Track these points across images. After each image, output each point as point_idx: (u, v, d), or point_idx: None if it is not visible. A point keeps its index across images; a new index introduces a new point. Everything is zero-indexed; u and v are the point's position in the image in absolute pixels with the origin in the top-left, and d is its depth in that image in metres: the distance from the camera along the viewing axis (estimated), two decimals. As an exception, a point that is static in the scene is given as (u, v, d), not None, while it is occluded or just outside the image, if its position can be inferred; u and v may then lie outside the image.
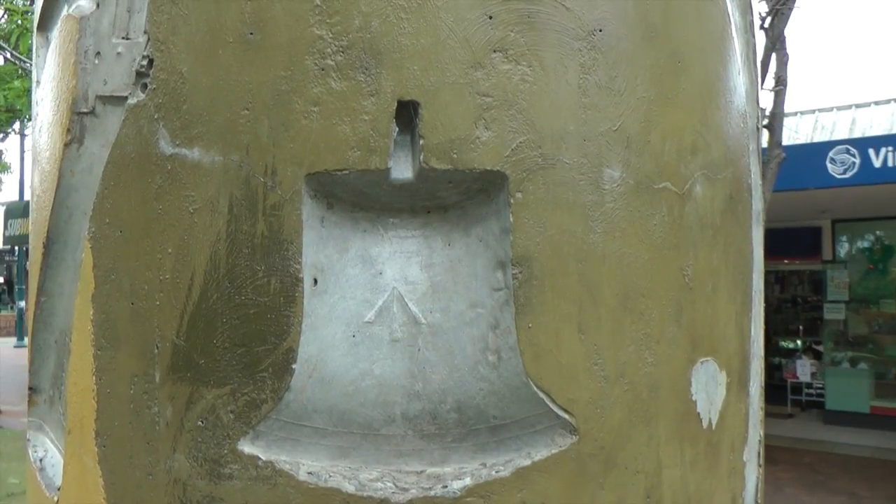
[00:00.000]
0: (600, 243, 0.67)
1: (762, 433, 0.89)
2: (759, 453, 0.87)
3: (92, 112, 0.78)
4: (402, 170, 0.67)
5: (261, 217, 0.65)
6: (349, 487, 0.64)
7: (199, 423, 0.67)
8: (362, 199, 0.69)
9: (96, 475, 0.73)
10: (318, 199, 0.67)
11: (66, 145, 0.79)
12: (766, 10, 6.59)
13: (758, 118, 0.90)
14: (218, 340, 0.66)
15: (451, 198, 0.69)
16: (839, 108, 10.35)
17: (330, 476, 0.65)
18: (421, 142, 0.64)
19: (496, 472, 0.66)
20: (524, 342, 0.65)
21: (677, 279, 0.72)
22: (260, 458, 0.65)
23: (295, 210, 0.65)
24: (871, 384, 9.17)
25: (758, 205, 0.90)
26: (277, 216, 0.65)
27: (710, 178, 0.76)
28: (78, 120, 0.78)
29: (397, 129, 0.65)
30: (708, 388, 0.75)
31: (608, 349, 0.68)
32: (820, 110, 10.45)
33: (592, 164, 0.68)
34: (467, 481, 0.65)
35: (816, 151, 7.71)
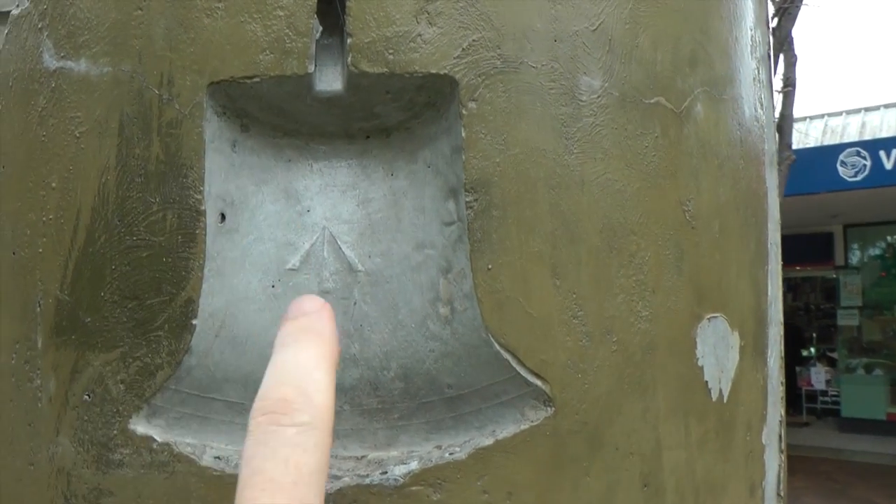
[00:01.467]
0: (578, 166, 0.54)
1: (783, 413, 0.75)
2: (780, 436, 0.73)
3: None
4: (329, 79, 0.54)
5: (155, 138, 0.53)
6: (266, 473, 0.51)
7: (86, 397, 0.54)
8: (285, 121, 0.56)
9: (-24, 466, 0.60)
10: (229, 119, 0.55)
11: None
12: (773, 10, 6.48)
13: (769, 45, 0.77)
14: (106, 293, 0.53)
15: (394, 116, 0.56)
16: (849, 112, 10.18)
17: None
18: (349, 41, 0.52)
19: (450, 454, 0.53)
20: (482, 288, 0.52)
21: (676, 215, 0.58)
22: (155, 440, 0.52)
23: (195, 128, 0.52)
24: (886, 391, 8.98)
25: (771, 145, 0.77)
26: (174, 136, 0.52)
27: (714, 97, 0.62)
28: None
29: (321, 28, 0.53)
30: (717, 350, 0.61)
31: (591, 299, 0.54)
32: (829, 114, 10.28)
33: (566, 70, 0.55)
34: (413, 466, 0.52)
35: (827, 154, 7.58)
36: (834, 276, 9.41)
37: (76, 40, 0.55)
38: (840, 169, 7.05)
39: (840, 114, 10.13)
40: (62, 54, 0.56)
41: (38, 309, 0.56)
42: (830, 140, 9.48)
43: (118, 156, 0.53)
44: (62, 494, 0.54)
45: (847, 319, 9.11)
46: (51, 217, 0.55)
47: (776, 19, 6.23)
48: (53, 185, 0.55)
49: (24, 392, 0.57)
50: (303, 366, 0.36)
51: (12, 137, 0.58)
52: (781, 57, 6.45)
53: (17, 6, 0.60)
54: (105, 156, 0.53)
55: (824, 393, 9.27)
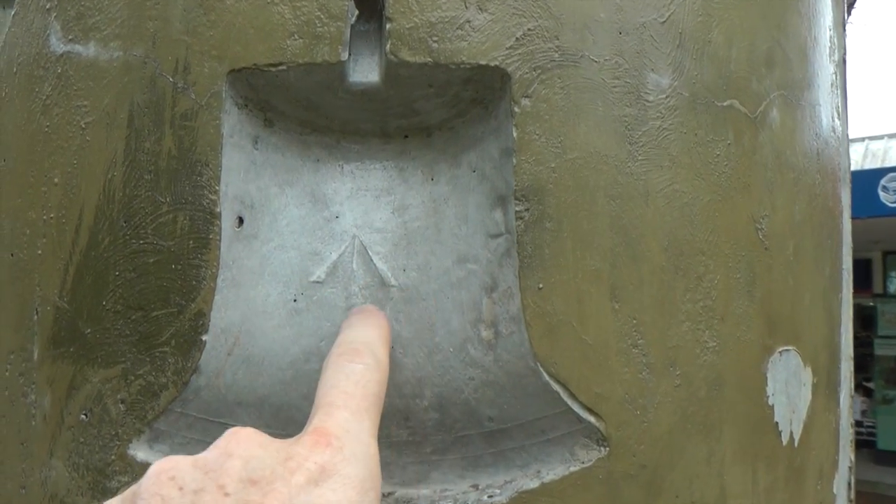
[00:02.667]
0: (642, 174, 0.48)
1: (853, 458, 0.67)
2: (850, 484, 0.66)
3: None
4: (365, 69, 0.48)
5: (168, 130, 0.47)
6: (280, 512, 0.45)
7: (83, 416, 0.48)
8: (314, 116, 0.50)
9: (-35, 488, 0.54)
10: (251, 112, 0.49)
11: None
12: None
13: (845, 50, 0.70)
14: (108, 301, 0.47)
15: (436, 113, 0.50)
16: (890, 136, 9.96)
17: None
18: (388, 26, 0.46)
19: (489, 496, 0.46)
20: (531, 309, 0.46)
21: (748, 233, 0.52)
22: (156, 468, 0.46)
23: (213, 120, 0.46)
24: (924, 424, 8.75)
25: (846, 160, 0.70)
26: (189, 128, 0.47)
27: (790, 102, 0.56)
28: (-27, 33, 0.61)
29: (357, 11, 0.47)
30: (789, 388, 0.55)
31: (653, 325, 0.48)
32: (870, 138, 10.08)
33: (631, 66, 0.48)
34: (446, 509, 0.46)
35: (868, 179, 7.42)
36: (872, 304, 9.19)
37: (86, 22, 0.50)
38: (881, 194, 6.88)
39: (881, 137, 9.91)
40: (70, 37, 0.50)
41: (36, 317, 0.50)
42: (871, 164, 9.26)
43: (126, 150, 0.47)
44: (53, 525, 0.49)
45: (885, 349, 8.87)
46: (52, 216, 0.50)
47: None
48: (56, 180, 0.50)
49: (18, 408, 0.51)
50: (366, 337, 0.44)
51: (14, 128, 0.53)
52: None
53: (27, -15, 0.55)
54: (112, 149, 0.48)
55: (860, 424, 9.04)
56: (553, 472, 0.47)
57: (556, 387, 0.46)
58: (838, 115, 0.65)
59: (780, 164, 0.54)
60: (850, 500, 0.65)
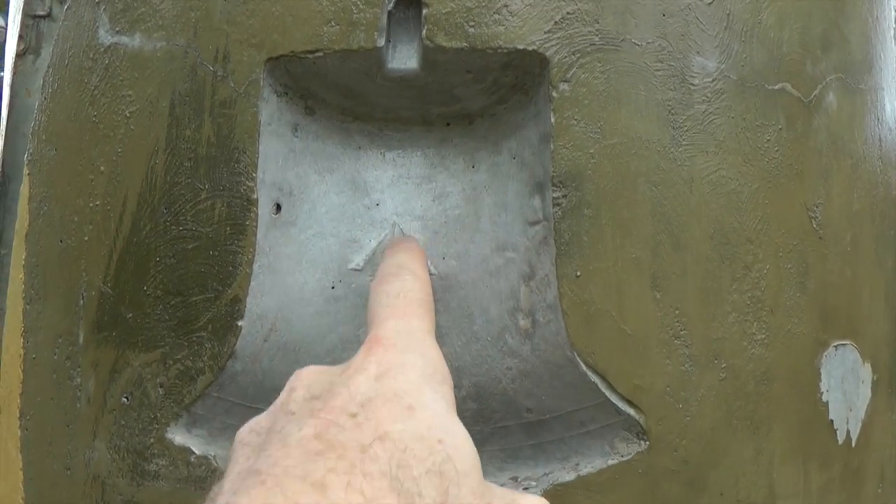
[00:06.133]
0: (686, 160, 0.46)
1: (918, 460, 0.64)
2: (914, 487, 0.63)
3: (49, 15, 0.63)
4: (403, 56, 0.47)
5: (207, 118, 0.47)
6: (314, 499, 0.45)
7: (124, 399, 0.49)
8: (354, 103, 0.50)
9: (17, 467, 0.56)
10: (291, 99, 0.49)
11: (20, 56, 0.64)
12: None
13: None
14: (149, 287, 0.48)
15: (477, 100, 0.49)
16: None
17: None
18: (425, 11, 0.45)
19: (525, 488, 0.46)
20: (568, 298, 0.45)
21: (801, 222, 0.50)
22: (193, 453, 0.47)
23: (250, 107, 0.46)
24: None
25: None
26: (227, 116, 0.47)
27: (849, 86, 0.53)
28: (33, 25, 0.63)
29: (395, -3, 0.46)
30: (846, 385, 0.52)
31: (696, 316, 0.46)
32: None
33: (675, 49, 0.47)
34: (481, 500, 0.45)
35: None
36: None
37: (133, 14, 0.51)
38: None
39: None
40: (117, 29, 0.51)
41: (82, 302, 0.51)
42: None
43: (168, 138, 0.48)
44: (96, 505, 0.50)
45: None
46: (98, 203, 0.51)
47: None
48: (102, 168, 0.51)
49: (65, 390, 0.52)
50: (398, 260, 0.44)
51: (65, 118, 0.54)
52: None
53: (79, -21, 0.56)
54: (154, 137, 0.49)
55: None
56: (591, 465, 0.46)
57: (593, 377, 0.45)
58: (903, 100, 0.62)
59: (836, 151, 0.52)
60: (915, 506, 0.62)
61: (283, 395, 0.36)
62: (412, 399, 0.33)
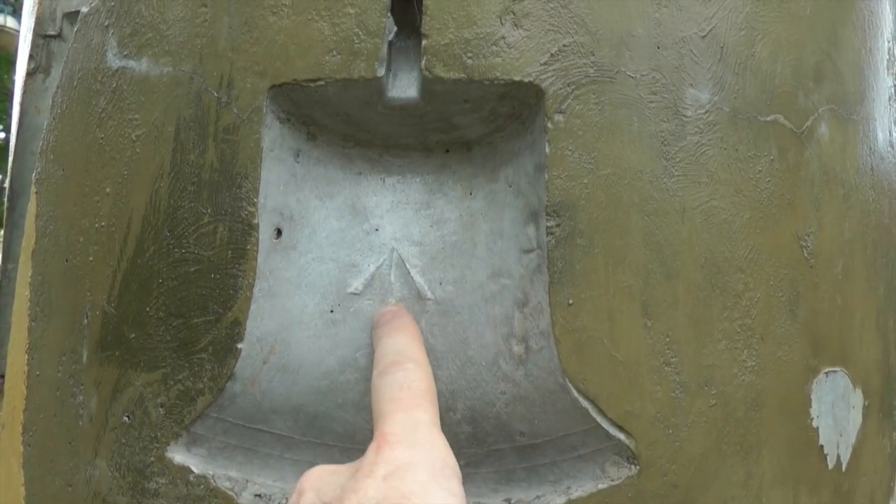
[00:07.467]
0: (678, 190, 0.47)
1: (910, 484, 0.65)
2: (905, 511, 0.63)
3: (59, 35, 0.64)
4: (403, 85, 0.49)
5: (211, 144, 0.48)
6: (310, 519, 0.46)
7: (125, 418, 0.50)
8: (356, 130, 0.51)
9: (19, 483, 0.57)
10: (293, 126, 0.50)
11: (30, 75, 0.65)
12: None
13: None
14: (152, 308, 0.49)
15: (475, 128, 0.50)
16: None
17: (288, 502, 0.47)
18: (424, 42, 0.46)
19: None
20: (561, 325, 0.46)
21: (792, 251, 0.50)
22: (192, 472, 0.48)
23: (253, 134, 0.48)
24: None
25: (906, 175, 0.67)
26: (231, 142, 0.48)
27: (841, 116, 0.54)
28: (44, 45, 0.64)
29: (395, 28, 0.48)
30: (836, 410, 0.53)
31: (687, 343, 0.47)
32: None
33: (669, 81, 0.48)
34: (476, 522, 0.46)
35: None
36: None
37: (140, 38, 0.52)
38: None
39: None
40: (125, 53, 0.52)
41: (86, 321, 0.52)
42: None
43: (172, 162, 0.49)
44: (97, 522, 0.51)
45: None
46: (103, 224, 0.52)
47: None
48: (108, 190, 0.52)
49: (67, 408, 0.53)
50: (397, 344, 0.45)
51: (73, 139, 0.55)
52: None
53: (88, 3, 0.57)
54: (159, 161, 0.50)
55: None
56: (582, 488, 0.46)
57: (584, 403, 0.46)
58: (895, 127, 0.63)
59: (828, 180, 0.53)
60: (906, 529, 0.63)
61: (293, 497, 0.37)
62: (420, 501, 0.34)
